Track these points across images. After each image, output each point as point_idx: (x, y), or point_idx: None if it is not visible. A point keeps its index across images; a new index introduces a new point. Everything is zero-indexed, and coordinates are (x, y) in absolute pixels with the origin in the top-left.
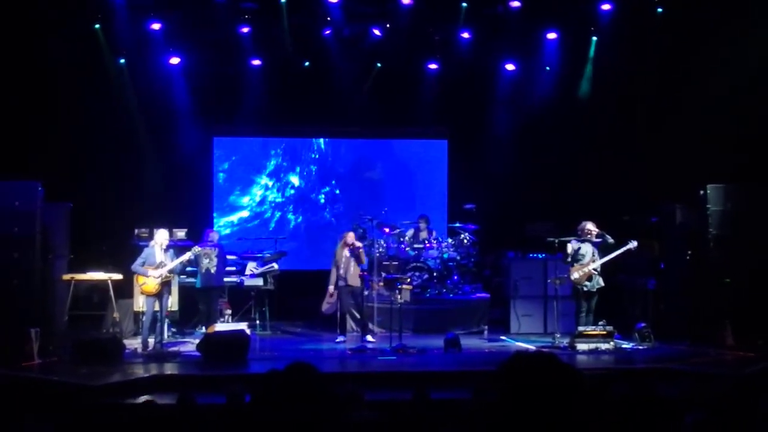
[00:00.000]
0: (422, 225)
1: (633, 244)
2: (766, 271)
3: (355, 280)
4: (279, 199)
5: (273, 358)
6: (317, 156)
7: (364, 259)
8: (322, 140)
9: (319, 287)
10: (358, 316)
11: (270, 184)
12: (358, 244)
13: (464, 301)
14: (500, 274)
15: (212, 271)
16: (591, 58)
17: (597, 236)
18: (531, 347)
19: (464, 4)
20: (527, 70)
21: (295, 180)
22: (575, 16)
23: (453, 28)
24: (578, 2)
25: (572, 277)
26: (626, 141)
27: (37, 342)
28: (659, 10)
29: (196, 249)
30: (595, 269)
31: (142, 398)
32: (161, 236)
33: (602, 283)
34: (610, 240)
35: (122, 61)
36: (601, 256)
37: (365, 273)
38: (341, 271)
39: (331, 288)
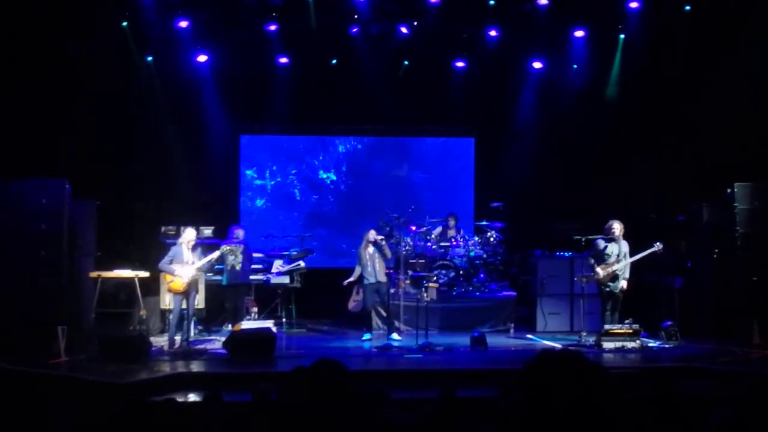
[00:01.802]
0: (451, 223)
1: (658, 246)
2: None
3: (381, 276)
4: (304, 197)
5: (299, 355)
6: (344, 154)
7: (389, 252)
8: (349, 138)
9: (345, 285)
10: (384, 313)
11: (297, 182)
12: (380, 237)
13: (491, 299)
14: (527, 272)
15: (237, 268)
16: (618, 59)
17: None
18: (557, 345)
19: (492, 2)
20: (555, 68)
21: (322, 178)
22: (603, 14)
23: (480, 26)
24: (606, 0)
25: (596, 277)
26: (653, 139)
27: (64, 340)
28: (687, 7)
29: (225, 248)
30: (620, 270)
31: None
32: (189, 235)
33: (625, 286)
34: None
35: (150, 58)
36: (628, 256)
37: (391, 270)
38: (368, 269)
39: (350, 280)
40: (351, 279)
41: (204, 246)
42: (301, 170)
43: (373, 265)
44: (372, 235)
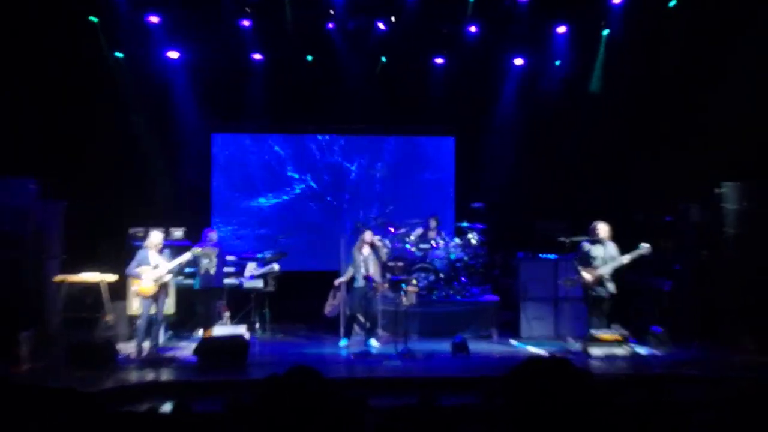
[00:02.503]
0: (432, 224)
1: (646, 249)
2: None
3: (375, 278)
4: (279, 198)
5: (273, 362)
6: (320, 153)
7: (384, 254)
8: (325, 137)
9: (321, 289)
10: (362, 319)
11: (270, 182)
12: (377, 238)
13: (472, 303)
14: (510, 275)
15: (212, 272)
16: (602, 54)
17: (609, 238)
18: (542, 352)
19: None
20: (536, 65)
21: (297, 178)
22: (585, 9)
23: (460, 22)
24: None
25: (583, 280)
26: (639, 137)
27: (28, 346)
28: (672, 2)
29: (196, 250)
30: (606, 273)
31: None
32: (154, 239)
33: (613, 290)
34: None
35: (120, 55)
36: (614, 259)
37: (369, 274)
38: (362, 271)
39: (341, 280)
40: (342, 279)
41: (174, 248)
42: (274, 169)
43: (366, 267)
44: (369, 235)
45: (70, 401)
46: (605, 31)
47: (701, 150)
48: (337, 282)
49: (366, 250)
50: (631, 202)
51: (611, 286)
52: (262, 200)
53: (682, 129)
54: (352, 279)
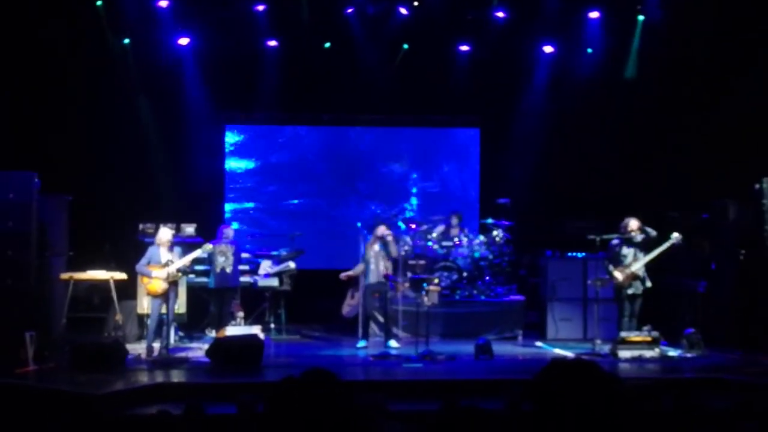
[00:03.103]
0: (454, 221)
1: (677, 238)
2: None
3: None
4: (296, 192)
5: (289, 364)
6: (338, 145)
7: (395, 250)
8: (343, 128)
9: (339, 288)
10: (381, 319)
11: (286, 175)
12: (388, 232)
13: (497, 303)
14: (536, 274)
15: (228, 270)
16: (637, 41)
17: (639, 231)
18: (569, 354)
19: None
20: (567, 53)
21: (314, 171)
22: None
23: (486, 7)
24: None
25: (615, 280)
26: (675, 130)
27: (32, 347)
28: None
29: (208, 247)
30: (638, 270)
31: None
32: (164, 235)
33: (649, 284)
34: (653, 233)
35: (126, 41)
36: (645, 253)
37: (389, 272)
38: (372, 267)
39: (348, 273)
40: (350, 273)
41: (185, 245)
42: (291, 163)
43: (376, 264)
44: (381, 230)
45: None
46: (640, 17)
47: (740, 142)
48: (343, 276)
49: (377, 246)
50: (666, 198)
51: (646, 282)
52: (278, 194)
53: (720, 120)
54: (363, 276)
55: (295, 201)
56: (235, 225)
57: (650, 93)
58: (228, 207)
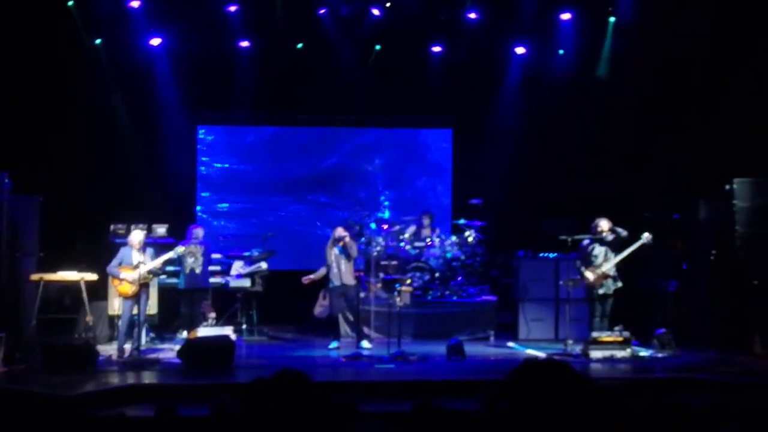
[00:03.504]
0: (426, 221)
1: (647, 238)
2: None
3: (348, 279)
4: (268, 193)
5: (260, 365)
6: (310, 146)
7: (355, 251)
8: (316, 129)
9: (311, 289)
10: (352, 319)
11: (258, 176)
12: (345, 234)
13: (469, 304)
14: (508, 275)
15: (198, 271)
16: (608, 42)
17: (609, 232)
18: (541, 355)
19: None
20: (539, 54)
21: (286, 172)
22: None
23: (459, 8)
24: None
25: (586, 280)
26: (648, 131)
27: (2, 348)
28: None
29: (180, 249)
30: (609, 270)
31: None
32: (136, 236)
33: (620, 284)
34: (623, 233)
35: (98, 41)
36: (616, 254)
37: (361, 273)
38: (334, 270)
39: (310, 278)
40: (312, 277)
41: (157, 246)
42: (262, 162)
43: (338, 266)
44: (339, 232)
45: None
46: (612, 18)
47: (712, 144)
48: (305, 279)
49: (336, 249)
50: (640, 198)
51: (617, 282)
52: (249, 195)
53: (693, 122)
54: (327, 279)
55: (266, 199)
56: (218, 222)
57: (624, 93)
58: (200, 208)
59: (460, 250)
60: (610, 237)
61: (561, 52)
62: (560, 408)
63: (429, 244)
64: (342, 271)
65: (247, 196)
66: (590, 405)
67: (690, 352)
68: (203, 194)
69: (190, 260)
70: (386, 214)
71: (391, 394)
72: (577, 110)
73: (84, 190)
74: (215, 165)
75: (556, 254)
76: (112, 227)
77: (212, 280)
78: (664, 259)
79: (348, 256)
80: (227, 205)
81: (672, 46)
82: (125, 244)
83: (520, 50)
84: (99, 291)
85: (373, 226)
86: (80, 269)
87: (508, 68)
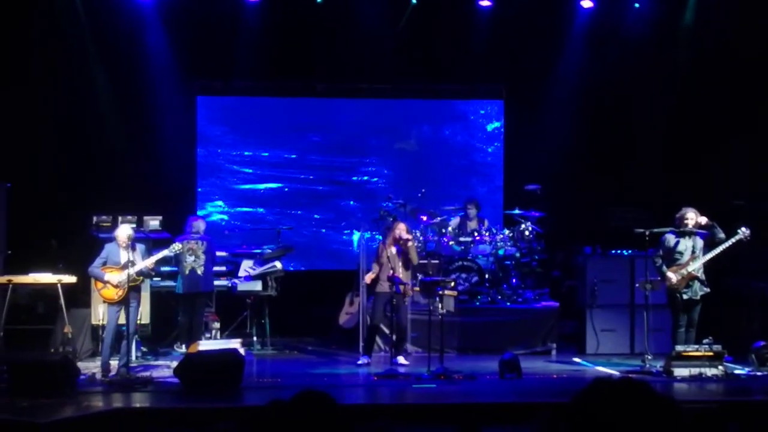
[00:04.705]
0: (471, 212)
1: (744, 233)
2: None
3: (404, 287)
4: (282, 178)
5: (275, 386)
6: (332, 122)
7: (416, 258)
8: (338, 101)
9: (335, 293)
10: (386, 331)
11: (270, 158)
12: (408, 236)
13: (525, 311)
14: (573, 275)
15: (199, 271)
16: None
17: (705, 227)
18: (614, 372)
19: None
20: (610, 8)
21: (303, 153)
22: None
23: None
24: None
25: (668, 281)
26: (743, 104)
27: None
28: None
29: (176, 246)
30: (697, 270)
31: None
32: (123, 232)
33: (706, 289)
34: (721, 235)
35: None
36: (706, 252)
37: (395, 274)
38: (388, 273)
39: (370, 276)
40: (370, 275)
41: (150, 242)
42: (276, 142)
43: (394, 269)
44: (401, 230)
45: None
46: None
47: None
48: (367, 279)
49: (393, 248)
50: (730, 185)
51: (704, 287)
52: (259, 179)
53: None
54: (375, 281)
55: (280, 186)
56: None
57: (711, 60)
58: (200, 196)
59: (515, 246)
60: (701, 231)
61: (637, 5)
62: None
63: (477, 238)
64: (398, 273)
65: (257, 180)
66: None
67: None
68: (203, 180)
69: (189, 259)
70: (424, 203)
71: (431, 420)
72: (655, 78)
73: (61, 175)
74: (217, 144)
75: (630, 251)
76: (94, 219)
77: (216, 282)
78: (760, 255)
79: (406, 262)
80: (232, 192)
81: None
82: (111, 239)
83: (586, 3)
84: (79, 296)
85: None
86: (56, 270)
87: (571, 26)
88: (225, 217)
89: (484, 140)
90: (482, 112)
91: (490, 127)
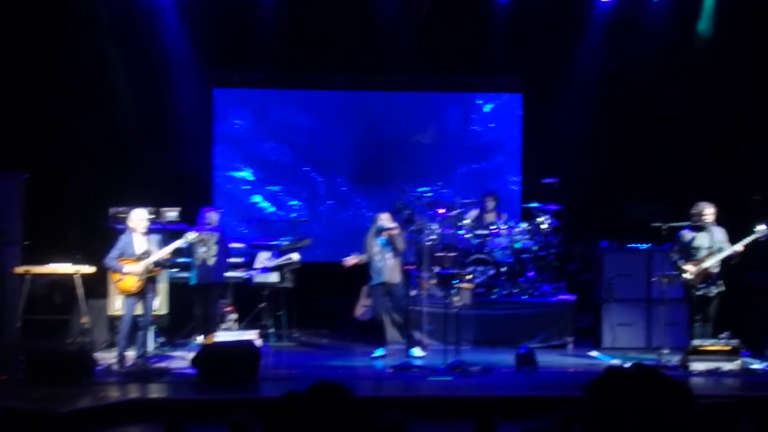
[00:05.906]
0: (489, 205)
1: (762, 231)
2: None
3: (393, 276)
4: (299, 169)
5: (291, 377)
6: (350, 114)
7: (402, 245)
8: (355, 93)
9: (351, 285)
10: (400, 321)
11: (288, 149)
12: (392, 225)
13: (542, 304)
14: (590, 269)
15: (210, 262)
16: None
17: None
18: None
19: None
20: (629, 2)
21: (322, 145)
22: None
23: None
24: None
25: (684, 276)
26: (761, 98)
27: None
28: None
29: (191, 235)
30: (713, 266)
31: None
32: (138, 217)
33: (722, 288)
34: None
35: None
36: (723, 246)
37: (412, 267)
38: (376, 265)
39: (352, 260)
40: (354, 259)
41: (167, 233)
42: (292, 135)
43: (383, 260)
44: (383, 221)
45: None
46: None
47: None
48: (346, 261)
49: (378, 241)
50: (748, 178)
51: (720, 283)
52: (278, 172)
53: None
54: (368, 276)
55: (297, 178)
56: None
57: (733, 51)
58: (216, 188)
59: (532, 240)
60: (714, 228)
61: None
62: (653, 424)
63: (494, 231)
64: (387, 266)
65: (275, 173)
66: (689, 425)
67: None
68: (220, 172)
69: (201, 250)
70: (441, 196)
71: (447, 413)
72: (675, 71)
73: (78, 167)
74: (234, 136)
75: (648, 245)
76: (111, 210)
77: (234, 274)
78: None
79: (394, 251)
80: (249, 187)
81: None
82: (126, 230)
83: None
84: (97, 287)
85: (426, 210)
86: (74, 261)
87: (590, 18)
88: (239, 207)
89: (501, 133)
90: (500, 104)
91: (507, 120)
